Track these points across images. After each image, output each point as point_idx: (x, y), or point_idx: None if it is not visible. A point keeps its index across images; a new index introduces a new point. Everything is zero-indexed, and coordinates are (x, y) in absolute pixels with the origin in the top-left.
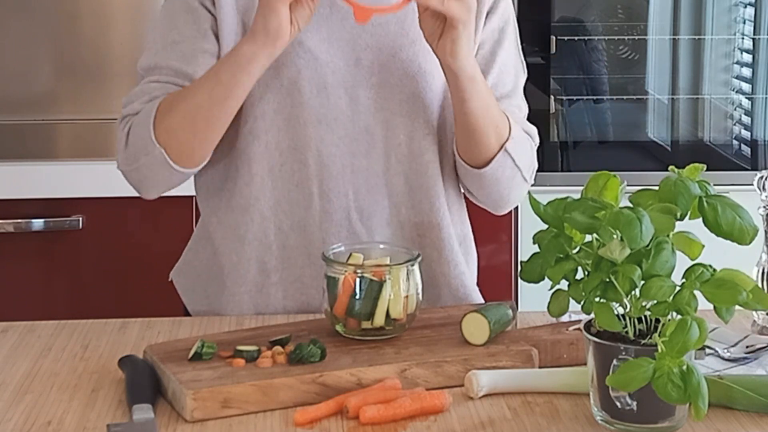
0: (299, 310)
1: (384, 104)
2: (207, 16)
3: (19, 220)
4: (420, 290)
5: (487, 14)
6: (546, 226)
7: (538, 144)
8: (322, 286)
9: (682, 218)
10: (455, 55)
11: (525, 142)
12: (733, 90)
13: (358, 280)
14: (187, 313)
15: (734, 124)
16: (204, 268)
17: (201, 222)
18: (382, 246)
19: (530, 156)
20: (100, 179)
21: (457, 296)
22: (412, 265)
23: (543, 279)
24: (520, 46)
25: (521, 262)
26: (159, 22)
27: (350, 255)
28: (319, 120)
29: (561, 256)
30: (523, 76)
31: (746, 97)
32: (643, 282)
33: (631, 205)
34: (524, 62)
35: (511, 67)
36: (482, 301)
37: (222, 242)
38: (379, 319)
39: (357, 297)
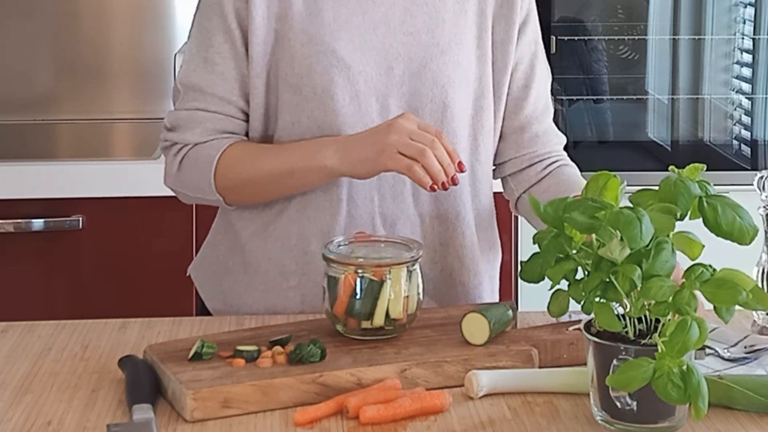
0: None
1: (414, 113)
2: (240, 35)
3: (19, 220)
4: (421, 290)
5: (522, 25)
6: (546, 226)
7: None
8: (323, 285)
9: (682, 218)
10: None
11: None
12: (733, 90)
13: (358, 279)
14: (195, 312)
15: (734, 124)
16: (221, 263)
17: (221, 216)
18: (383, 244)
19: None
20: (100, 179)
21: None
22: (413, 266)
23: (543, 279)
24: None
25: (521, 262)
26: (195, 33)
27: (351, 252)
28: (351, 127)
29: (561, 256)
30: (550, 78)
31: (746, 97)
32: (643, 282)
33: (631, 205)
34: (547, 63)
35: (547, 74)
36: None
37: (249, 239)
38: (379, 319)
39: (357, 297)
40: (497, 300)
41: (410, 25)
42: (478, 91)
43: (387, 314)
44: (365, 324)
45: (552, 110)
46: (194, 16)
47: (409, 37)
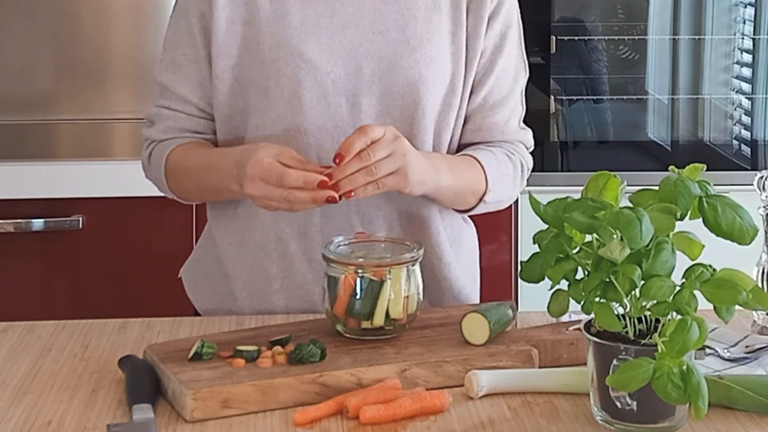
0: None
1: (385, 111)
2: (202, 39)
3: (19, 220)
4: (421, 290)
5: (489, 19)
6: (546, 226)
7: (532, 147)
8: (323, 285)
9: (682, 218)
10: (412, 189)
11: (505, 177)
12: (733, 90)
13: (358, 279)
14: (194, 313)
15: (734, 124)
16: (211, 267)
17: (209, 224)
18: (383, 244)
19: (512, 185)
20: (100, 179)
21: (459, 300)
22: (413, 265)
23: (543, 279)
24: (523, 46)
25: (521, 262)
26: (168, 34)
27: (351, 252)
28: (319, 128)
29: (561, 256)
30: (524, 77)
31: (746, 97)
32: (643, 282)
33: (631, 205)
34: (527, 62)
35: (511, 70)
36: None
37: (227, 248)
38: (379, 319)
39: (357, 297)
40: (479, 291)
41: (380, 24)
42: (450, 87)
43: (387, 314)
44: (365, 324)
45: (519, 111)
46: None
47: (378, 36)
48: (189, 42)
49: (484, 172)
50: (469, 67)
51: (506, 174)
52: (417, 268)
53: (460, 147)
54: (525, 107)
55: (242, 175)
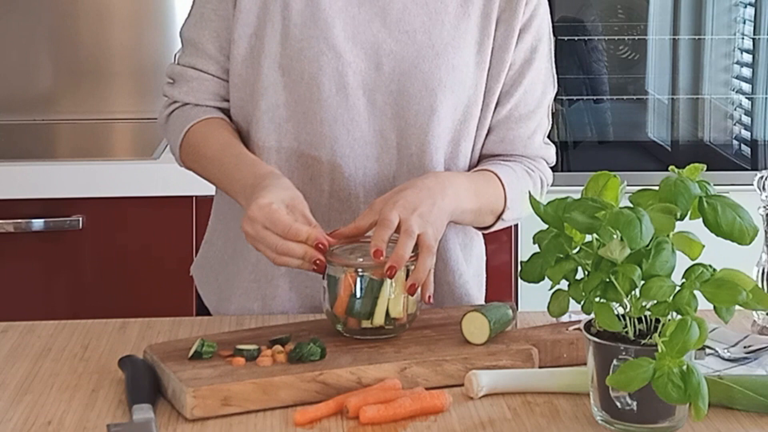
0: (307, 306)
1: (400, 112)
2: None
3: (19, 220)
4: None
5: (520, 31)
6: (546, 226)
7: (553, 163)
8: (323, 285)
9: (682, 218)
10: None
11: (525, 195)
12: (733, 90)
13: (358, 279)
14: (194, 313)
15: (734, 124)
16: (218, 263)
17: (214, 214)
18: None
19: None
20: (100, 179)
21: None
22: (413, 265)
23: (543, 279)
24: (553, 60)
25: (521, 262)
26: None
27: (351, 252)
28: (336, 119)
29: (561, 256)
30: (552, 92)
31: (746, 97)
32: (643, 282)
33: (631, 205)
34: (555, 75)
35: (540, 84)
36: None
37: (231, 245)
38: (379, 319)
39: (357, 296)
40: (484, 297)
41: (406, 23)
42: (473, 97)
43: (387, 314)
44: (365, 323)
45: (544, 126)
46: None
47: (403, 35)
48: None
49: (504, 189)
50: (496, 79)
51: (525, 191)
52: None
53: (482, 157)
54: (551, 122)
55: (247, 207)
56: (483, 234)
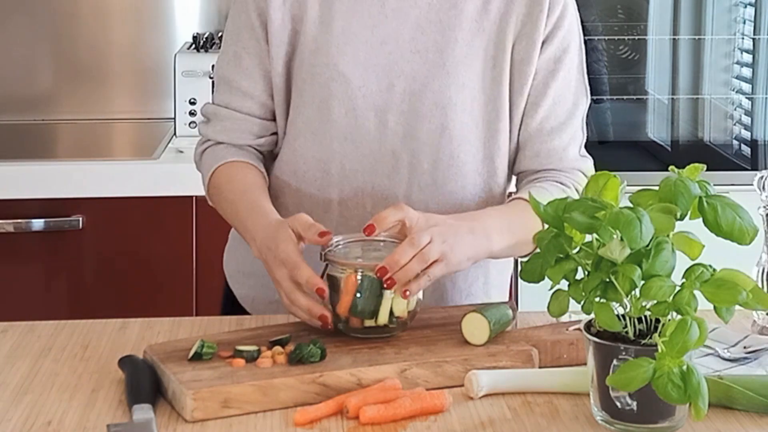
0: None
1: (411, 131)
2: (263, 33)
3: (19, 220)
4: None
5: (543, 43)
6: (546, 226)
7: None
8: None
9: (682, 218)
10: (461, 268)
11: None
12: (733, 90)
13: (359, 279)
14: (194, 312)
15: (734, 124)
16: (243, 255)
17: None
18: (383, 243)
19: None
20: (100, 179)
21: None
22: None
23: (543, 279)
24: (584, 71)
25: (521, 262)
26: (228, 26)
27: (351, 252)
28: (345, 137)
29: (561, 256)
30: (585, 103)
31: (746, 97)
32: (643, 282)
33: (631, 205)
34: (588, 86)
35: (570, 95)
36: None
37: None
38: (383, 317)
39: (359, 296)
40: (491, 300)
41: (419, 43)
42: (492, 113)
43: (390, 311)
44: (368, 322)
45: (579, 138)
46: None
47: (415, 55)
48: (251, 35)
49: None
50: (519, 93)
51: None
52: None
53: (520, 174)
54: (586, 133)
55: (265, 257)
56: None
